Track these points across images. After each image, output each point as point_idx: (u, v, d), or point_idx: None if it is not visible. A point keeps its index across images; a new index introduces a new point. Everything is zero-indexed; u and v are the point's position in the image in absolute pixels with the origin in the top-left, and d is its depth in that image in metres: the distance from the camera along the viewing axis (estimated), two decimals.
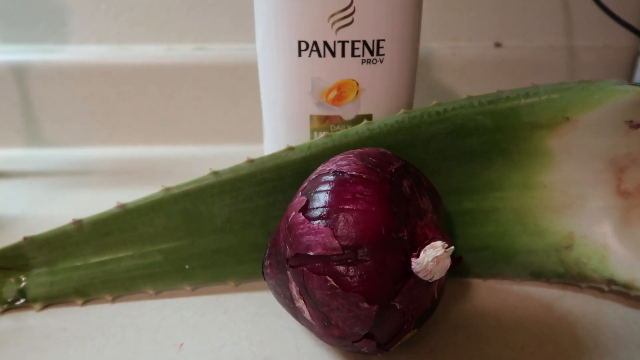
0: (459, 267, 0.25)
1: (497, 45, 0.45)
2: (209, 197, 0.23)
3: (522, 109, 0.23)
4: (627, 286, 0.22)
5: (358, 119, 0.25)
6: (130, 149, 0.44)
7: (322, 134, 0.25)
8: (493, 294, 0.24)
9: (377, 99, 0.25)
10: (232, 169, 0.23)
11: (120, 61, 0.43)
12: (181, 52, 0.43)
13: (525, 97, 0.23)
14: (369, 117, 0.25)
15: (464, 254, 0.25)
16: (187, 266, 0.24)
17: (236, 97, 0.44)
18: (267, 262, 0.20)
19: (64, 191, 0.36)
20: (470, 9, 0.44)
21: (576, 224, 0.23)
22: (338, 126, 0.25)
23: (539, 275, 0.24)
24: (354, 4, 0.23)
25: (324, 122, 0.25)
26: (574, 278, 0.23)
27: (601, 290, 0.24)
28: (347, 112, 0.25)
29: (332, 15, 0.23)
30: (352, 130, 0.23)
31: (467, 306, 0.23)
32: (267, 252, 0.20)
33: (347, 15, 0.23)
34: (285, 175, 0.24)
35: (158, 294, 0.24)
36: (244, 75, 0.43)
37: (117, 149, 0.44)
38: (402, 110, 0.23)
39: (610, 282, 0.22)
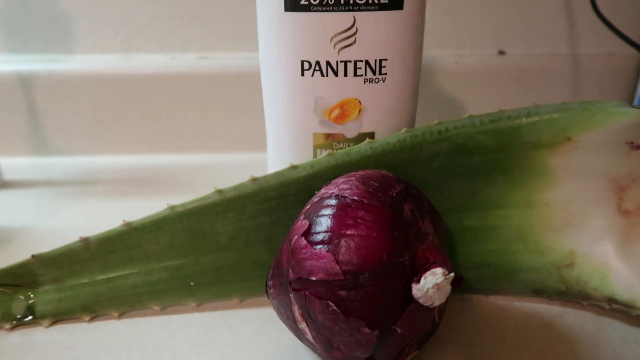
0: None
1: (501, 53, 0.45)
2: (213, 215, 0.24)
3: (524, 128, 0.23)
4: (628, 305, 0.22)
5: (361, 137, 0.25)
6: (134, 157, 0.44)
7: (325, 152, 0.25)
8: (495, 310, 0.24)
9: (380, 117, 0.25)
10: (235, 187, 0.24)
11: (124, 70, 0.43)
12: (185, 61, 0.44)
13: (526, 116, 0.23)
14: (371, 134, 0.25)
15: (466, 271, 0.25)
16: (192, 283, 0.24)
17: (240, 106, 0.44)
18: (270, 282, 0.21)
19: (70, 201, 0.36)
20: (474, 16, 0.44)
21: (577, 243, 0.23)
22: (341, 144, 0.25)
23: (540, 292, 0.24)
24: (356, 25, 0.23)
25: (327, 139, 0.25)
26: (575, 296, 0.24)
27: (602, 308, 0.24)
28: (350, 130, 0.25)
29: (335, 35, 0.23)
30: (355, 149, 0.23)
31: (469, 323, 0.24)
32: (271, 272, 0.21)
33: (349, 36, 0.23)
34: (289, 194, 0.24)
35: (163, 310, 0.24)
36: (248, 84, 0.43)
37: (122, 157, 0.44)
38: (404, 129, 0.24)
39: (611, 300, 0.23)
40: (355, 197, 0.19)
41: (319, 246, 0.18)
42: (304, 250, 0.18)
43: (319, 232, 0.18)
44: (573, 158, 0.23)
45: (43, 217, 0.34)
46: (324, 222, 0.18)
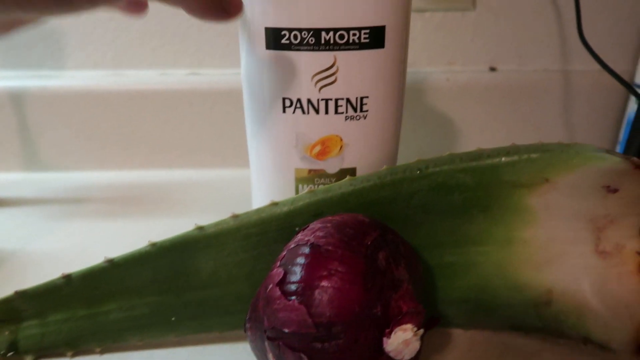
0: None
1: (492, 69, 0.45)
2: (195, 252, 0.24)
3: (503, 167, 0.23)
4: (602, 346, 0.22)
5: (342, 173, 0.25)
6: (126, 173, 0.45)
7: (306, 188, 0.25)
8: (473, 346, 0.25)
9: (361, 153, 0.25)
10: (216, 224, 0.24)
11: (115, 86, 0.43)
12: (176, 77, 0.44)
13: (505, 155, 0.23)
14: (353, 170, 0.26)
15: (445, 305, 0.25)
16: (173, 318, 0.24)
17: (230, 121, 0.44)
18: (248, 325, 0.21)
19: (60, 221, 0.37)
20: (466, 33, 0.44)
21: (555, 281, 0.24)
22: (322, 179, 0.26)
23: (518, 328, 0.25)
24: (337, 64, 0.23)
25: (309, 174, 0.26)
26: (552, 333, 0.24)
27: (579, 346, 0.24)
28: (331, 166, 0.25)
29: (316, 74, 0.23)
30: (335, 186, 0.24)
31: (447, 358, 0.24)
32: (248, 314, 0.21)
33: (330, 75, 0.23)
34: (270, 230, 0.24)
35: (145, 344, 0.25)
36: (238, 100, 0.43)
37: (113, 173, 0.45)
38: (384, 166, 0.24)
39: (587, 340, 0.23)
40: (330, 247, 0.19)
41: (293, 297, 0.18)
42: (278, 301, 0.18)
43: (293, 282, 0.19)
44: (552, 198, 0.23)
45: (34, 238, 0.34)
46: (298, 272, 0.19)
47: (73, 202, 0.40)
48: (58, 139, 0.44)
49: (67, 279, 0.24)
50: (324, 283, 0.18)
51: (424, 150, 0.46)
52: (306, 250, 0.19)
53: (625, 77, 0.44)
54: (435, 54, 0.45)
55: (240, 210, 0.24)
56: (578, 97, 0.45)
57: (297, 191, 0.26)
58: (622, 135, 0.44)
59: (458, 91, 0.45)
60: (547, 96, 0.45)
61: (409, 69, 0.44)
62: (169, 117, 0.44)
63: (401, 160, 0.27)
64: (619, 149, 0.44)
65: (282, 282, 0.19)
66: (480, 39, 0.44)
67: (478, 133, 0.46)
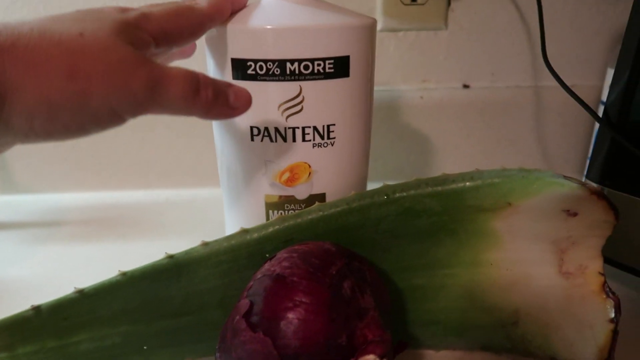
0: (409, 339, 0.25)
1: (465, 86, 0.46)
2: (166, 280, 0.24)
3: (467, 192, 0.24)
4: None
5: (311, 199, 0.26)
6: (103, 193, 0.45)
7: (277, 213, 0.26)
8: None
9: (330, 179, 0.26)
10: (186, 252, 0.24)
11: None
12: None
13: (469, 180, 0.24)
14: (322, 196, 0.26)
15: (416, 328, 0.25)
16: (145, 347, 0.24)
17: (209, 140, 0.44)
18: (218, 355, 0.21)
19: (34, 246, 0.36)
20: (439, 51, 0.45)
21: (521, 302, 0.24)
22: (292, 205, 0.26)
23: (488, 348, 0.25)
24: (302, 93, 0.23)
25: (279, 200, 0.26)
26: (520, 353, 0.24)
27: None
28: (301, 192, 0.26)
29: (282, 103, 0.24)
30: (305, 212, 0.24)
31: None
32: (218, 344, 0.21)
33: (296, 104, 0.24)
34: (240, 257, 0.24)
35: None
36: None
37: (90, 194, 0.44)
38: (353, 192, 0.24)
39: None
40: (295, 278, 0.19)
41: (258, 329, 0.18)
42: (244, 333, 0.19)
43: (259, 314, 0.19)
44: (515, 222, 0.23)
45: (5, 265, 0.34)
46: (263, 304, 0.19)
47: (47, 226, 0.39)
48: (32, 160, 0.44)
49: (37, 310, 0.24)
50: (289, 315, 0.18)
51: (400, 166, 0.47)
52: (271, 281, 0.19)
53: (593, 92, 0.45)
54: (409, 72, 0.45)
55: (215, 232, 0.24)
56: (550, 112, 0.46)
57: (268, 216, 0.26)
58: (591, 150, 0.45)
59: (432, 108, 0.45)
60: (519, 112, 0.46)
61: (384, 87, 0.45)
62: (146, 137, 0.44)
63: (378, 177, 0.28)
64: (588, 163, 0.45)
65: (248, 314, 0.19)
66: (453, 57, 0.45)
67: (453, 148, 0.47)
